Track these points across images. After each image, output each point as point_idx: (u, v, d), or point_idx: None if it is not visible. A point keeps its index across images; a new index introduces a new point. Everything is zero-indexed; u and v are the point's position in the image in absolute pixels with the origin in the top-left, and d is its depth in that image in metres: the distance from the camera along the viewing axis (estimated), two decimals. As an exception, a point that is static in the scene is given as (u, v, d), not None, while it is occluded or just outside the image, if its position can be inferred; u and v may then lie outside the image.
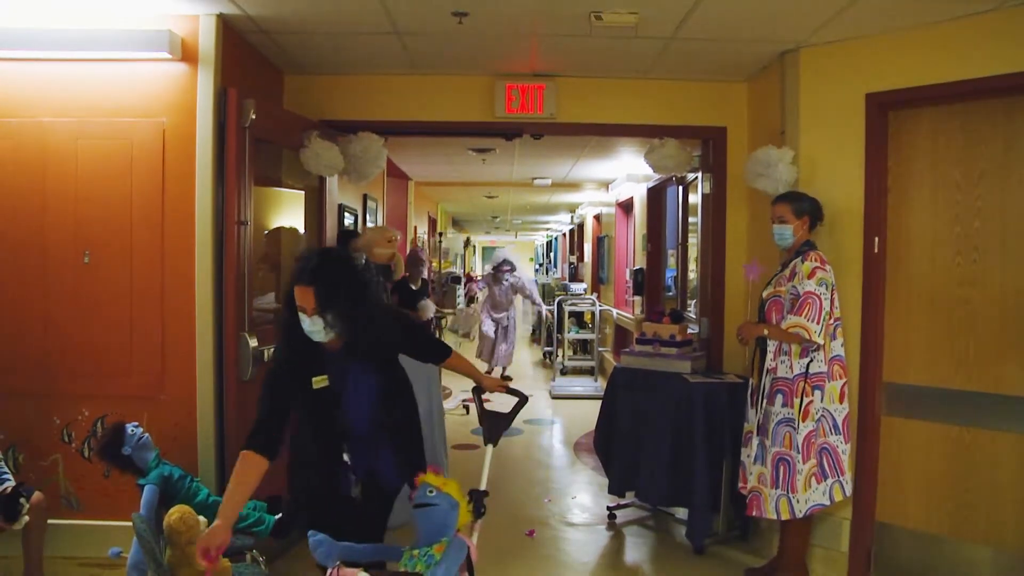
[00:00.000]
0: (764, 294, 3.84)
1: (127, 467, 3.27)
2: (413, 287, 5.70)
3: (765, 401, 3.73)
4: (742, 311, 4.63)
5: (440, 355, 3.13)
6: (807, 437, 3.63)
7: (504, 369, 10.17)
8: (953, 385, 3.79)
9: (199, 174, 3.78)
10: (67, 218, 3.80)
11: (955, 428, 3.78)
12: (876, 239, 3.95)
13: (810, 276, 3.60)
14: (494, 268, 10.12)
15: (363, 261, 4.74)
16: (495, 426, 3.06)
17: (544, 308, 11.59)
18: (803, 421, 3.62)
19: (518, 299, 10.47)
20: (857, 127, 4.00)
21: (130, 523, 2.97)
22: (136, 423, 3.41)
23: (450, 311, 10.21)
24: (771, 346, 3.71)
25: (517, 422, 7.65)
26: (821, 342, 3.58)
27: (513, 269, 10.14)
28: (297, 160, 4.42)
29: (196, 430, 3.80)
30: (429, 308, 5.76)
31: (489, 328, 10.06)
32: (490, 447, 3.04)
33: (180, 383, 3.81)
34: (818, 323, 3.55)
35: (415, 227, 9.22)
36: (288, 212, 4.93)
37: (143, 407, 3.81)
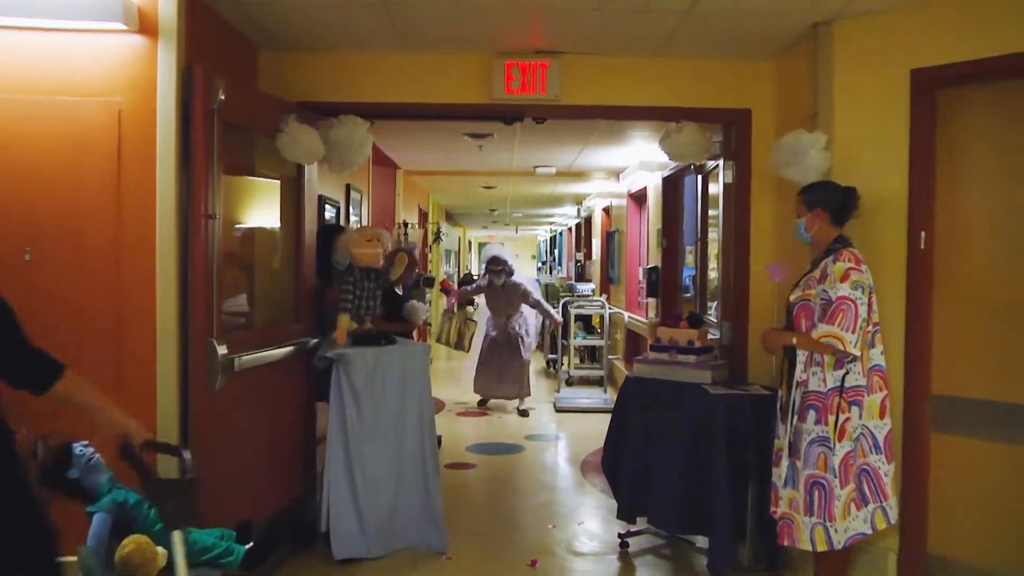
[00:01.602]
0: (791, 297, 3.79)
1: (74, 493, 3.19)
2: (398, 291, 5.64)
3: (795, 417, 3.68)
4: (769, 314, 4.60)
5: (37, 377, 2.19)
6: (844, 458, 3.57)
7: (521, 401, 9.06)
8: (1013, 398, 3.73)
9: (160, 162, 3.71)
10: (3, 211, 3.69)
11: (1016, 448, 3.72)
12: (922, 234, 3.92)
13: (843, 279, 3.53)
14: (485, 269, 8.96)
15: (347, 265, 4.68)
16: (175, 505, 2.36)
17: (557, 316, 9.63)
18: (839, 441, 3.56)
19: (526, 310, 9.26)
20: (900, 108, 3.97)
21: (76, 558, 2.89)
22: (86, 442, 3.32)
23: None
24: (801, 356, 3.66)
25: (517, 438, 7.68)
26: (857, 353, 3.52)
27: (509, 272, 8.81)
28: (272, 146, 4.39)
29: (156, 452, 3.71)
30: (420, 311, 5.67)
31: (485, 347, 9.03)
32: (176, 535, 2.37)
33: (138, 396, 3.73)
34: (853, 332, 3.49)
35: (404, 220, 9.14)
36: (262, 204, 4.90)
37: (95, 423, 3.72)
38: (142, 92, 3.71)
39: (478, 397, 9.36)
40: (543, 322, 11.05)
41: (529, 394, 9.09)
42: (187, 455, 2.54)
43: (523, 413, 8.90)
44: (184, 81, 3.75)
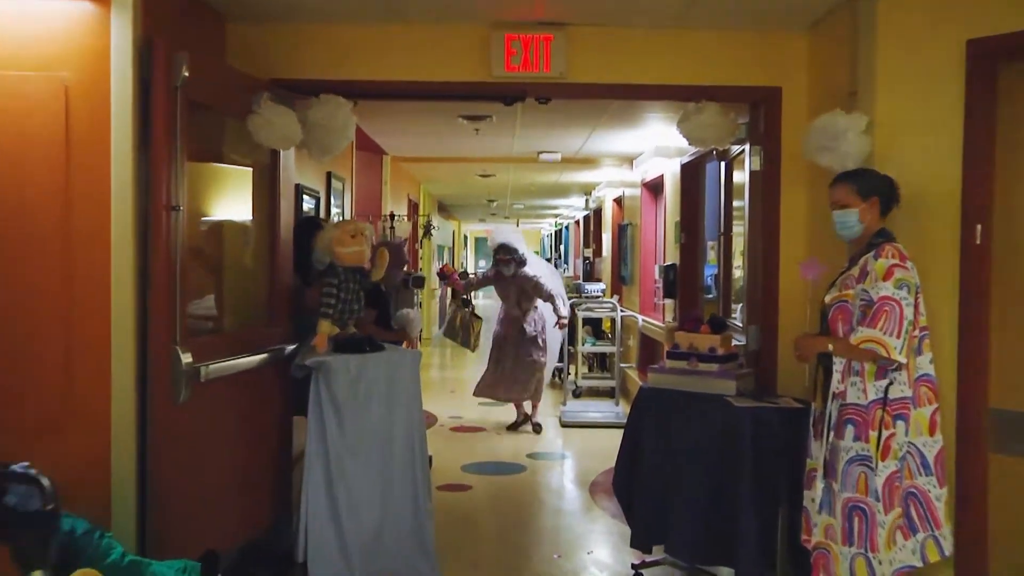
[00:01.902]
0: (827, 298, 3.76)
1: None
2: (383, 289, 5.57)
3: (832, 433, 3.64)
4: (801, 318, 4.53)
5: None
6: (888, 480, 3.52)
7: (533, 412, 8.87)
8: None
9: (116, 146, 3.66)
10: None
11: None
12: (978, 227, 3.86)
13: (886, 277, 3.49)
14: (493, 257, 8.58)
15: (327, 264, 4.64)
16: (30, 541, 2.42)
17: (564, 309, 8.83)
18: (883, 460, 3.52)
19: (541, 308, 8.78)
20: (954, 84, 3.92)
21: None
22: (26, 463, 3.29)
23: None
24: (838, 364, 3.63)
25: (520, 456, 7.66)
26: (903, 360, 3.48)
27: (520, 262, 8.40)
28: (243, 129, 4.36)
29: (110, 470, 3.70)
30: (415, 322, 5.55)
31: (493, 346, 8.74)
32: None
33: (90, 409, 3.71)
34: (898, 337, 3.44)
35: (391, 212, 9.09)
36: (232, 194, 4.89)
37: (39, 441, 3.66)
38: (93, 67, 3.65)
39: (475, 412, 9.30)
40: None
41: (539, 399, 8.84)
42: (47, 483, 2.44)
43: (536, 427, 8.76)
44: (142, 55, 3.71)
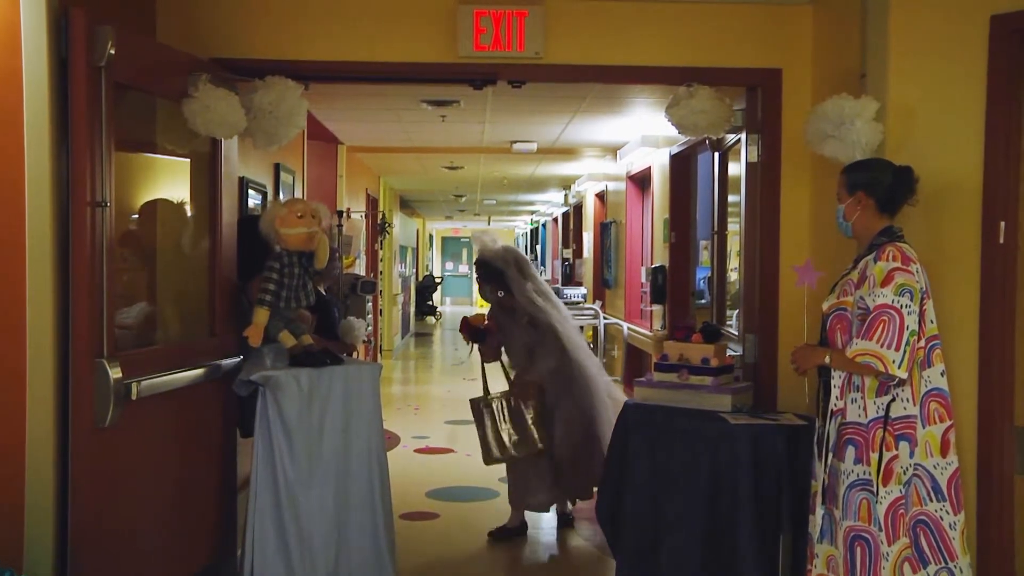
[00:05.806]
0: (825, 306, 3.79)
1: None
2: (322, 292, 5.52)
3: (831, 455, 3.66)
4: (804, 326, 4.53)
5: None
6: (892, 507, 3.53)
7: (570, 506, 6.35)
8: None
9: (29, 134, 3.60)
10: None
11: None
12: (1002, 224, 3.85)
13: (884, 282, 3.50)
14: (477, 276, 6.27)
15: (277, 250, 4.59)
16: None
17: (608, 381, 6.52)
18: (884, 485, 3.53)
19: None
20: (975, 66, 3.92)
21: None
22: None
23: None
24: (836, 379, 3.65)
25: (491, 481, 7.60)
26: (903, 376, 3.49)
27: (498, 281, 5.99)
28: (179, 115, 4.33)
29: (23, 502, 3.64)
30: (357, 329, 5.43)
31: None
32: None
33: (1, 432, 3.64)
34: (897, 349, 3.45)
35: (347, 208, 9.00)
36: (167, 189, 4.88)
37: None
38: (0, 44, 3.57)
39: (442, 431, 9.16)
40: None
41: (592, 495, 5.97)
42: None
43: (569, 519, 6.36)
44: (59, 30, 3.65)
